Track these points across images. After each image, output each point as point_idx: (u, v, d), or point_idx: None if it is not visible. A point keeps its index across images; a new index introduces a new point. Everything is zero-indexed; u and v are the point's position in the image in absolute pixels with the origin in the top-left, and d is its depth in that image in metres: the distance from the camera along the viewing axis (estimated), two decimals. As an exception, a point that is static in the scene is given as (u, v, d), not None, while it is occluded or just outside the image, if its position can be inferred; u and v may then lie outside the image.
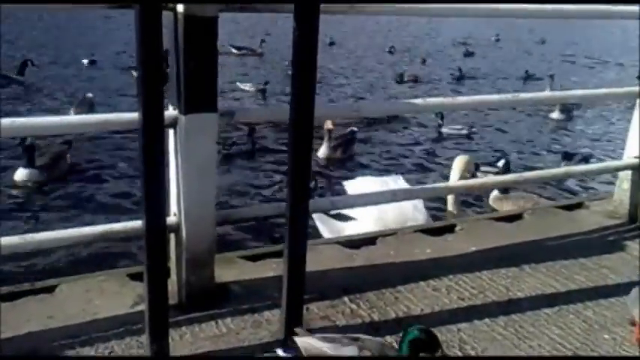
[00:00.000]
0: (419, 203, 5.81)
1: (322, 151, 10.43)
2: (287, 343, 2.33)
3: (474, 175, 6.79)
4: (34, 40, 20.83)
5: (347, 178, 9.17)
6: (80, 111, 10.98)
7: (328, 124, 10.29)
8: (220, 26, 2.56)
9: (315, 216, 5.45)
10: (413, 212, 5.77)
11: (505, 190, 7.66)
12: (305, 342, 2.23)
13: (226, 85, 15.27)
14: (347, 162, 10.51)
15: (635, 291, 2.71)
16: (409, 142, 12.04)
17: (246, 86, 15.79)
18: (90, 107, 11.82)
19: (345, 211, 5.60)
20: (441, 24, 33.20)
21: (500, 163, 8.76)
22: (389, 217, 5.45)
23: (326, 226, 5.72)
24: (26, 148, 8.57)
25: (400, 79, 17.76)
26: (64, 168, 9.24)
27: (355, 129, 11.17)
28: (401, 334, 2.18)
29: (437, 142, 12.16)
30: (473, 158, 7.43)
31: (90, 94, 12.42)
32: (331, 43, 24.84)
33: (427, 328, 2.18)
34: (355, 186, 6.72)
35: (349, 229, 5.50)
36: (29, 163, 8.62)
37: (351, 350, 2.17)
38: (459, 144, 11.91)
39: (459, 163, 6.81)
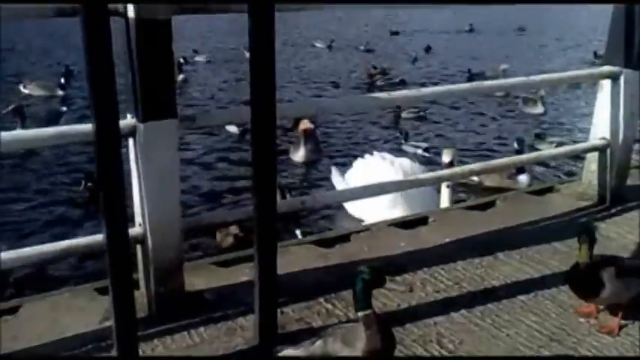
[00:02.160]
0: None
1: (300, 155, 9.71)
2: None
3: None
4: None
5: (326, 178, 9.11)
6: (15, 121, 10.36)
7: (305, 124, 9.75)
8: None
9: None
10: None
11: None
12: (285, 354, 2.26)
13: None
14: (321, 161, 9.96)
15: None
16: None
17: None
18: (21, 116, 10.92)
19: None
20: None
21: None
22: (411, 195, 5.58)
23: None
24: None
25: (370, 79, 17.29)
26: None
27: (312, 126, 10.49)
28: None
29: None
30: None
31: (12, 107, 11.20)
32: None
33: (376, 266, 2.38)
34: (365, 165, 6.77)
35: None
36: None
37: (317, 345, 2.20)
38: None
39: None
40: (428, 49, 21.90)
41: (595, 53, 18.92)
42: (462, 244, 3.57)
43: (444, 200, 5.80)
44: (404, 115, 12.77)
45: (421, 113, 12.91)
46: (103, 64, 2.03)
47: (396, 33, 27.15)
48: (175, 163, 2.66)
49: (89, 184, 7.88)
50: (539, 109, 13.23)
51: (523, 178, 7.88)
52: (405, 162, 7.10)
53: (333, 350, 2.17)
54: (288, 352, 2.27)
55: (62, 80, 14.74)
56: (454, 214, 4.12)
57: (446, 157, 5.82)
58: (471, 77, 17.06)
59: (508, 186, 7.13)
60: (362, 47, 22.34)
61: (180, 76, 14.18)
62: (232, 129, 11.04)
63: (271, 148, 2.44)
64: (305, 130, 9.72)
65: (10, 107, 11.20)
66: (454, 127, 12.64)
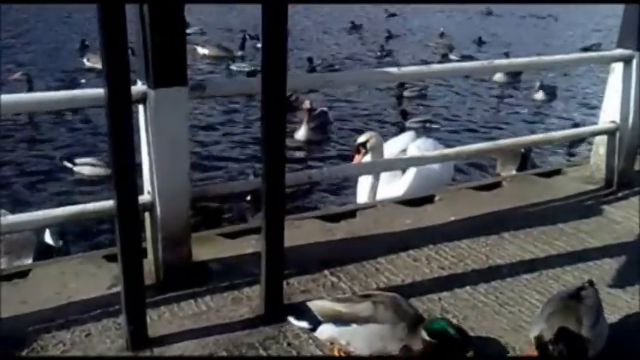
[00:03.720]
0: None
1: (301, 133, 9.76)
2: (299, 310, 2.33)
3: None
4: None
5: (327, 159, 9.14)
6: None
7: (307, 104, 9.82)
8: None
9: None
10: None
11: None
12: (318, 305, 2.28)
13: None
14: (324, 143, 10.00)
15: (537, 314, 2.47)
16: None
17: None
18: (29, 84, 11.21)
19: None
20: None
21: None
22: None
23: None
24: None
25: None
26: None
27: (325, 109, 10.87)
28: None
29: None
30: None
31: (19, 73, 11.58)
32: None
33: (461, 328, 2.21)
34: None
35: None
36: None
37: (365, 306, 2.20)
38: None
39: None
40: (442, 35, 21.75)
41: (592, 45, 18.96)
42: (467, 222, 3.58)
43: (365, 192, 5.04)
44: (406, 93, 12.89)
45: (422, 91, 13.09)
46: (116, 29, 2.03)
47: (393, 15, 27.20)
48: (185, 131, 2.66)
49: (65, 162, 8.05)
50: (544, 95, 13.18)
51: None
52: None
53: (382, 319, 2.17)
54: (327, 302, 2.28)
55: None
56: (460, 193, 4.11)
57: (361, 138, 5.31)
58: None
59: None
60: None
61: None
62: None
63: (281, 119, 2.44)
64: (308, 110, 9.79)
65: (18, 73, 11.36)
66: (456, 106, 12.74)
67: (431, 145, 5.90)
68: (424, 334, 2.14)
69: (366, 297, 2.27)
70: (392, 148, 5.84)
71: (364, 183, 5.13)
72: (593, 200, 4.00)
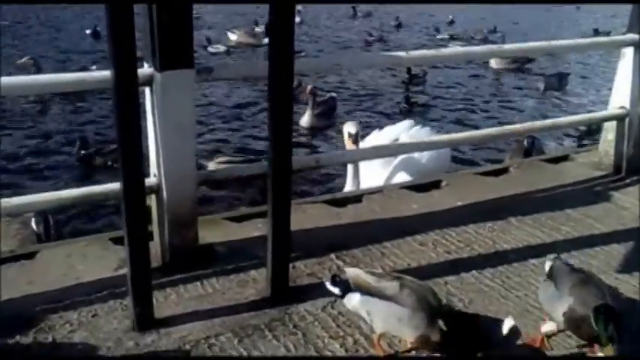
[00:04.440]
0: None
1: (305, 119, 9.69)
2: (335, 277, 2.37)
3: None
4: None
5: (331, 146, 9.10)
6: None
7: (308, 88, 9.73)
8: None
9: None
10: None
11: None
12: (353, 272, 2.31)
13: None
14: (329, 129, 9.85)
15: (546, 285, 2.39)
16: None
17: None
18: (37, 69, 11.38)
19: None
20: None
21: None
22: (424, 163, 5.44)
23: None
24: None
25: None
26: None
27: (334, 94, 10.83)
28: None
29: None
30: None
31: (25, 58, 11.80)
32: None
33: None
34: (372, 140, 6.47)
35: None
36: None
37: (392, 285, 2.22)
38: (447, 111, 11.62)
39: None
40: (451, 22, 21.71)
41: (596, 30, 18.80)
42: (474, 208, 3.57)
43: (349, 181, 5.02)
44: (413, 81, 13.04)
45: (426, 77, 13.26)
46: (123, 11, 2.02)
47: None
48: (191, 113, 2.66)
49: (82, 151, 8.03)
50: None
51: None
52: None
53: (403, 302, 2.17)
54: (362, 272, 2.30)
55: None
56: (467, 178, 4.10)
57: (351, 129, 5.22)
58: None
59: None
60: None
61: None
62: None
63: (288, 103, 2.43)
64: (312, 94, 9.72)
65: (24, 58, 11.46)
66: (460, 92, 12.81)
67: (425, 134, 5.88)
68: (441, 324, 2.14)
69: (398, 278, 2.29)
70: (388, 135, 5.82)
71: (350, 171, 5.13)
72: (601, 186, 3.97)
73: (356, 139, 5.01)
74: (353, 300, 2.27)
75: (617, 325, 2.04)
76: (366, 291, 2.24)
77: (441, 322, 2.15)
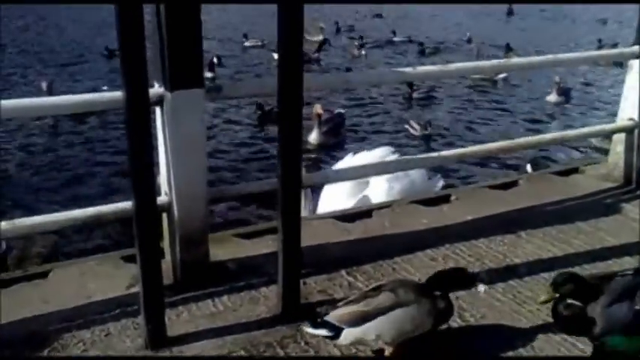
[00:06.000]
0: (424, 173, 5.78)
1: (313, 137, 9.84)
2: (315, 321, 2.29)
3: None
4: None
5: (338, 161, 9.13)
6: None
7: (317, 109, 9.83)
8: None
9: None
10: (422, 182, 5.74)
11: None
12: (334, 314, 2.25)
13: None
14: (338, 146, 9.95)
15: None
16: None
17: None
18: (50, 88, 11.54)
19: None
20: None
21: (528, 167, 8.29)
22: (397, 187, 5.40)
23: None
24: None
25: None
26: None
27: (342, 111, 10.92)
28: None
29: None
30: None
31: (45, 81, 11.97)
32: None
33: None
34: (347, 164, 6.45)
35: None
36: None
37: (385, 296, 2.24)
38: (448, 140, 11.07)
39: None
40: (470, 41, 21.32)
41: (599, 40, 18.74)
42: (484, 222, 3.57)
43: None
44: (415, 95, 13.10)
45: (431, 93, 13.30)
46: (134, 32, 2.05)
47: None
48: (202, 132, 2.68)
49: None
50: (559, 97, 13.00)
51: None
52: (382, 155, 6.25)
53: (404, 301, 2.22)
54: (342, 309, 2.26)
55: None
56: (476, 192, 4.10)
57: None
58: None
59: None
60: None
61: (209, 74, 14.24)
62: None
63: (298, 120, 2.44)
64: (318, 114, 9.86)
65: (44, 82, 11.70)
66: (464, 108, 12.84)
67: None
68: (437, 293, 2.28)
69: (376, 290, 2.30)
70: (361, 161, 5.67)
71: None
72: (611, 198, 3.96)
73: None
74: (351, 335, 2.23)
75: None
76: (363, 319, 2.21)
77: (436, 292, 2.28)
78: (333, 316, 2.25)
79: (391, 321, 2.21)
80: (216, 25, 21.77)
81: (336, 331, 2.23)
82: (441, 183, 6.08)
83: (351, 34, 22.54)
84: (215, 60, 15.38)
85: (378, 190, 5.40)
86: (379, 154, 6.01)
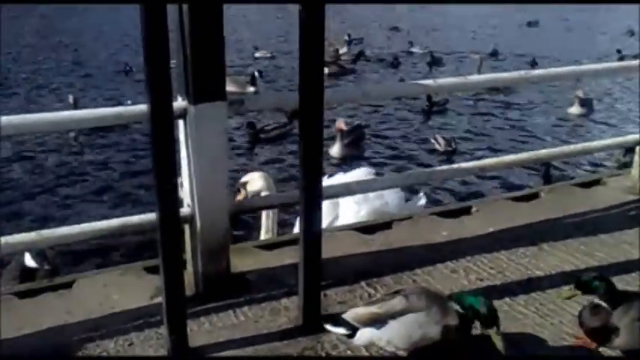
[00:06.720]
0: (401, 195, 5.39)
1: (335, 150, 10.14)
2: (335, 319, 2.36)
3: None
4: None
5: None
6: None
7: (340, 124, 10.11)
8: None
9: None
10: (398, 204, 5.21)
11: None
12: (352, 313, 2.31)
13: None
14: (360, 159, 10.10)
15: None
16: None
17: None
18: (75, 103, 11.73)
19: None
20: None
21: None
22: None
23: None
24: None
25: None
26: None
27: (361, 123, 11.13)
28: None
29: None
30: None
31: (72, 96, 12.17)
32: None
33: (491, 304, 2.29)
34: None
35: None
36: None
37: (398, 300, 2.26)
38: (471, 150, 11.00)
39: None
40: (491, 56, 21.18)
41: (619, 51, 18.55)
42: (505, 234, 3.54)
43: (263, 231, 4.38)
44: (435, 108, 13.18)
45: (447, 105, 13.38)
46: (160, 47, 2.10)
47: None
48: (224, 144, 2.72)
49: None
50: (581, 109, 12.87)
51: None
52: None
53: (416, 307, 2.23)
54: (360, 309, 2.31)
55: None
56: (498, 204, 4.07)
57: (245, 177, 4.57)
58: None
59: None
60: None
61: (252, 89, 14.21)
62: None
63: (319, 133, 2.47)
64: (340, 130, 10.14)
65: (71, 96, 11.95)
66: (483, 120, 12.84)
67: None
68: (456, 306, 2.24)
69: (394, 294, 2.33)
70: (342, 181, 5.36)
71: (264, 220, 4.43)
72: (635, 210, 3.91)
73: (239, 189, 4.58)
74: (365, 335, 2.27)
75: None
76: (376, 320, 2.25)
77: (451, 303, 2.26)
78: (349, 315, 2.31)
79: (400, 325, 2.23)
80: (229, 38, 22.03)
81: (353, 331, 2.28)
82: (422, 202, 5.61)
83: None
84: (257, 74, 15.47)
85: (347, 211, 5.03)
86: (358, 175, 5.54)
